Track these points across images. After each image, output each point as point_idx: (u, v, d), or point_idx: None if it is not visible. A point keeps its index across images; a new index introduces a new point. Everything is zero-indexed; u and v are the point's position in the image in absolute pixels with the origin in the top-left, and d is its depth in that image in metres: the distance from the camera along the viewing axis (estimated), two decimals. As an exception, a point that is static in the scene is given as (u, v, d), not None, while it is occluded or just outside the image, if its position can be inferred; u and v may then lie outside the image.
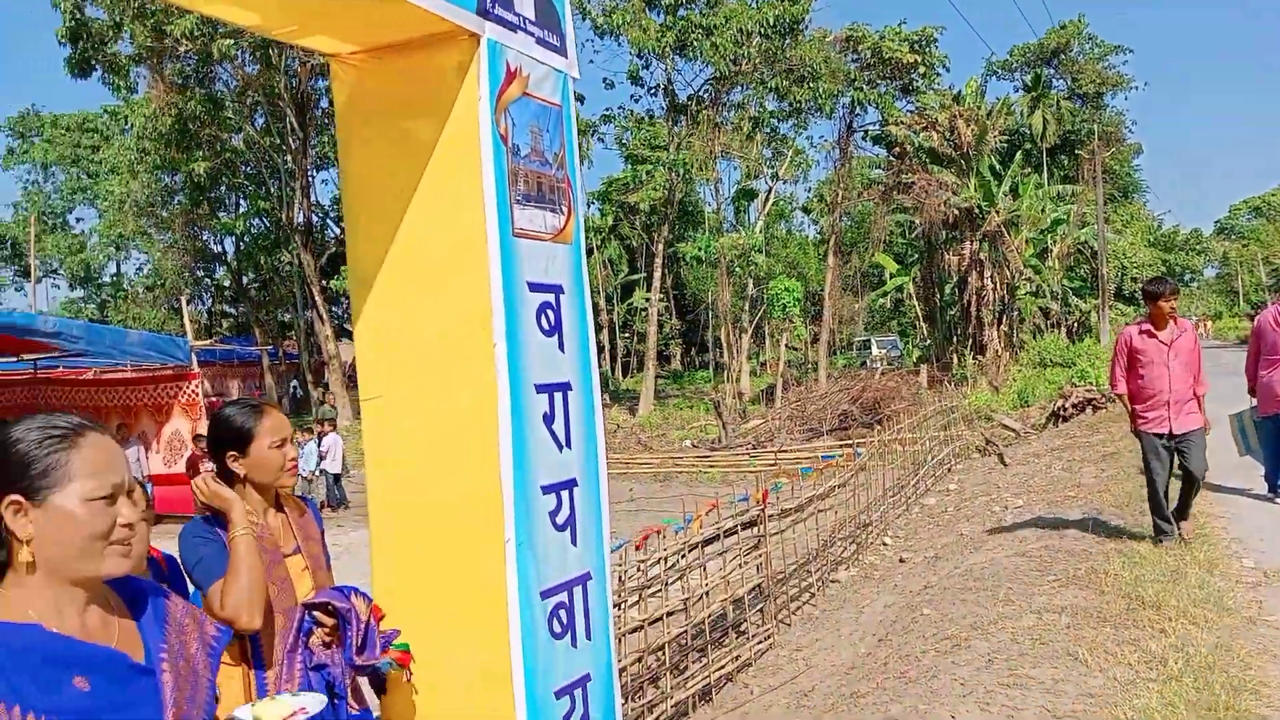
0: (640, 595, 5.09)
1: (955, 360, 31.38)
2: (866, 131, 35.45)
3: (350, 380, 29.72)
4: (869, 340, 40.92)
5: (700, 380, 39.89)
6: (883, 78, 32.20)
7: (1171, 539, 6.57)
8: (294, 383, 32.94)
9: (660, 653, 5.25)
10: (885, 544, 9.06)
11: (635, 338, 40.96)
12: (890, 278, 39.12)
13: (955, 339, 33.57)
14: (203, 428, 13.85)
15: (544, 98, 3.43)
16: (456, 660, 3.06)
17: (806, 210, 49.18)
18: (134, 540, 1.51)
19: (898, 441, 11.16)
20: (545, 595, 3.11)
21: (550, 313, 3.33)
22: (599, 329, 43.70)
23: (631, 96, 35.54)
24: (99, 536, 1.44)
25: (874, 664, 5.65)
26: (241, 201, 32.28)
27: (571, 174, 3.56)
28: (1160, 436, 6.68)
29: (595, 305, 43.75)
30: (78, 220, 49.68)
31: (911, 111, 33.13)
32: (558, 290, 3.39)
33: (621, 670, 4.86)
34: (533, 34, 3.38)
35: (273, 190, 29.75)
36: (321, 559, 2.85)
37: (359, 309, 3.39)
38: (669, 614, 5.36)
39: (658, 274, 30.92)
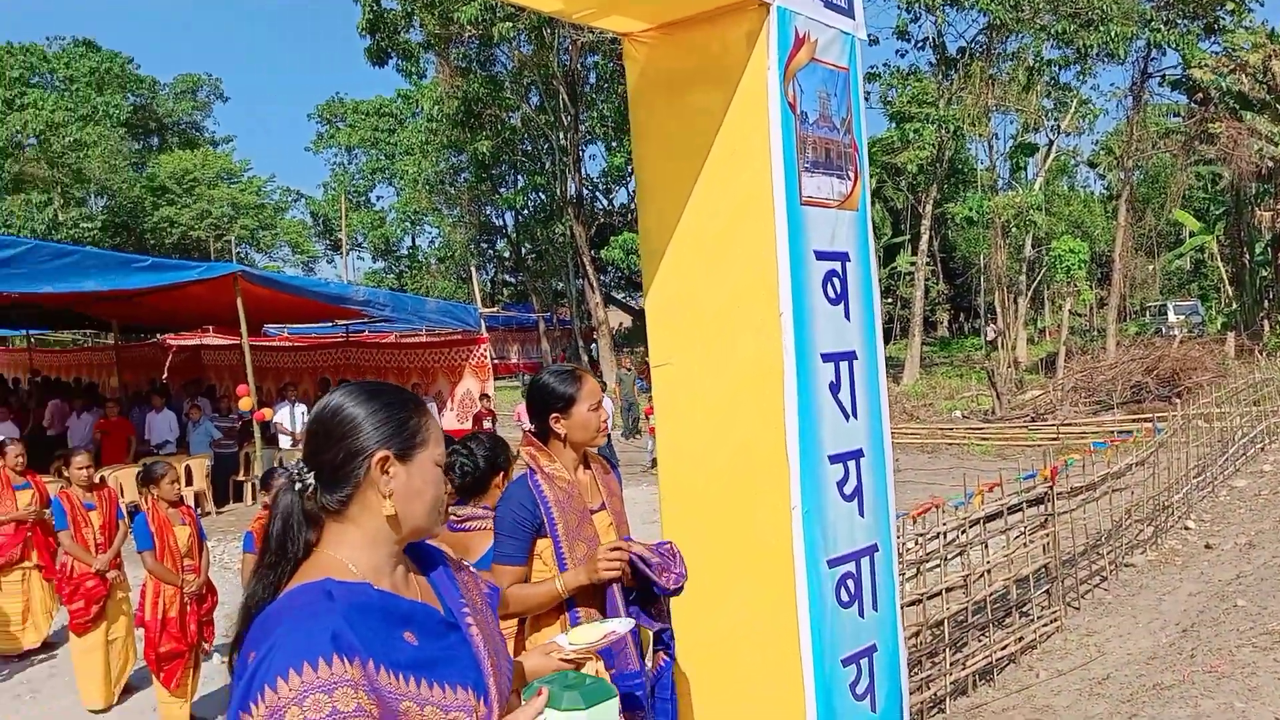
0: (918, 569, 4.96)
1: (1267, 328, 28.01)
2: (1164, 77, 32.07)
3: (617, 345, 30.86)
4: (1165, 305, 37.31)
5: (970, 348, 38.02)
6: (1184, 17, 28.94)
7: None
8: (570, 347, 34.63)
9: (938, 628, 5.10)
10: (1187, 528, 8.29)
11: (899, 303, 39.56)
12: (1190, 236, 35.34)
13: (1268, 304, 29.95)
14: (490, 388, 14.90)
15: (831, 62, 3.37)
16: (744, 622, 3.12)
17: (1092, 164, 45.38)
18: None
19: (1203, 417, 10.13)
20: (833, 564, 3.11)
21: (836, 280, 3.30)
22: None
23: (897, 52, 34.10)
24: (439, 499, 1.57)
25: (1178, 656, 5.21)
26: (519, 177, 34.16)
27: (858, 138, 3.49)
28: None
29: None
30: (377, 198, 54.33)
31: (1218, 53, 29.57)
32: (844, 258, 3.35)
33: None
34: (820, -3, 3.33)
35: (547, 166, 31.27)
36: (624, 515, 2.96)
37: (649, 279, 3.50)
38: (947, 590, 5.19)
39: (925, 236, 29.64)
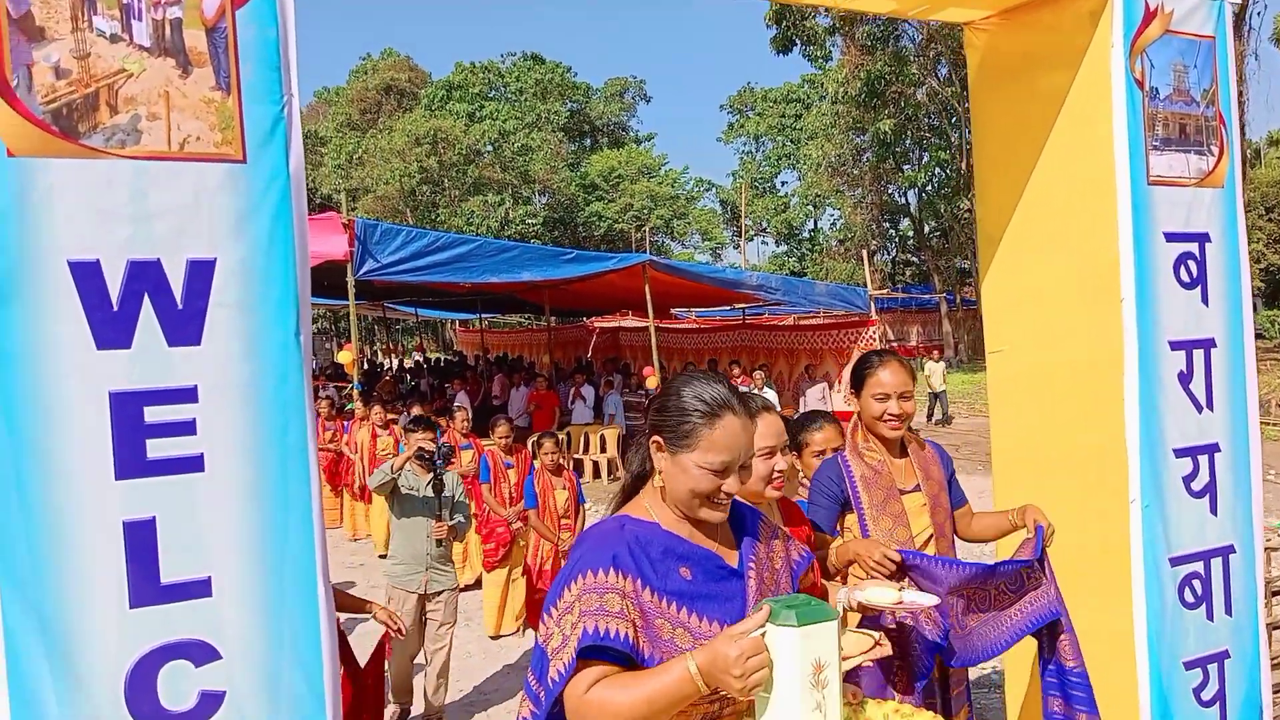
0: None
1: None
2: None
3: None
4: None
5: None
6: None
7: None
8: (975, 327, 33.21)
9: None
10: None
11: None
12: None
13: None
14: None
15: (1193, 32, 3.17)
16: (1078, 616, 3.07)
17: None
18: (728, 501, 1.86)
19: None
20: (1175, 563, 2.97)
21: (1192, 263, 3.11)
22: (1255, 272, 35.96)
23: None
24: (700, 494, 1.84)
25: None
26: (923, 154, 33.31)
27: (1225, 109, 3.24)
28: None
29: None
30: (782, 184, 55.67)
31: None
32: (1203, 239, 3.14)
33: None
34: (1178, -37, 3.13)
35: (952, 139, 30.21)
36: (943, 498, 3.00)
37: (985, 265, 3.53)
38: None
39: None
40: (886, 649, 2.19)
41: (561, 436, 12.19)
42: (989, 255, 3.49)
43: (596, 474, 13.54)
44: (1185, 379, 3.05)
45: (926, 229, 36.31)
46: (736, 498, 1.95)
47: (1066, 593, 3.09)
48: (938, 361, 18.15)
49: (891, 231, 40.63)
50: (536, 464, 6.29)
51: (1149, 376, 2.96)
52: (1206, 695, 3.00)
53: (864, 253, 24.23)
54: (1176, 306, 3.05)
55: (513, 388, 15.87)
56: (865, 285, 15.90)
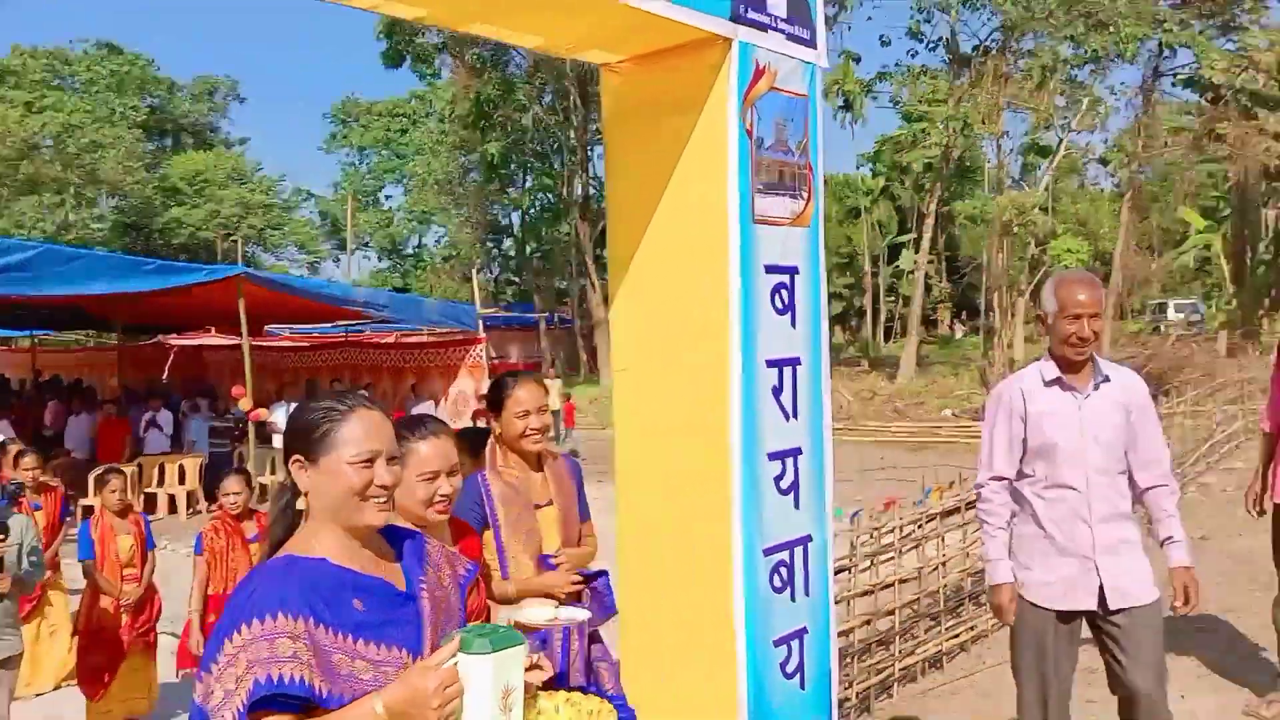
0: (872, 561, 5.26)
1: (1265, 326, 28.13)
2: (1175, 75, 32.16)
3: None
4: (1165, 303, 37.46)
5: (970, 346, 38.21)
6: (1199, 16, 29.07)
7: None
8: (569, 346, 34.91)
9: (890, 617, 5.40)
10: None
11: (901, 301, 39.83)
12: (1195, 234, 35.43)
13: (1268, 302, 30.03)
14: (485, 388, 15.26)
15: (791, 90, 3.65)
16: (686, 605, 3.42)
17: (1104, 162, 45.38)
18: (390, 497, 1.88)
19: (1180, 414, 10.39)
20: (768, 553, 3.40)
21: (784, 292, 3.59)
22: (860, 293, 42.83)
23: (909, 52, 34.21)
24: (357, 492, 1.83)
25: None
26: (528, 178, 34.53)
27: (814, 159, 3.77)
28: None
29: (859, 269, 42.77)
30: (386, 198, 54.80)
31: (1232, 51, 29.67)
32: (793, 271, 3.64)
33: (848, 631, 5.05)
34: (783, 31, 3.61)
35: (555, 166, 31.68)
36: (573, 511, 3.25)
37: (615, 288, 3.81)
38: (901, 581, 5.49)
39: (926, 235, 29.88)
40: (548, 671, 2.30)
41: (131, 470, 11.04)
42: (618, 279, 3.77)
43: (173, 508, 12.46)
44: (777, 392, 3.51)
45: (529, 250, 37.67)
46: (395, 523, 1.99)
47: (676, 584, 3.44)
48: (554, 380, 18.88)
49: (495, 251, 41.60)
50: (96, 504, 5.59)
51: (749, 391, 3.37)
52: (790, 668, 3.46)
53: (472, 271, 24.57)
54: (772, 329, 3.50)
55: (71, 415, 14.12)
56: (473, 303, 16.15)
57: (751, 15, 3.47)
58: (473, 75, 30.21)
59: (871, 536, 5.20)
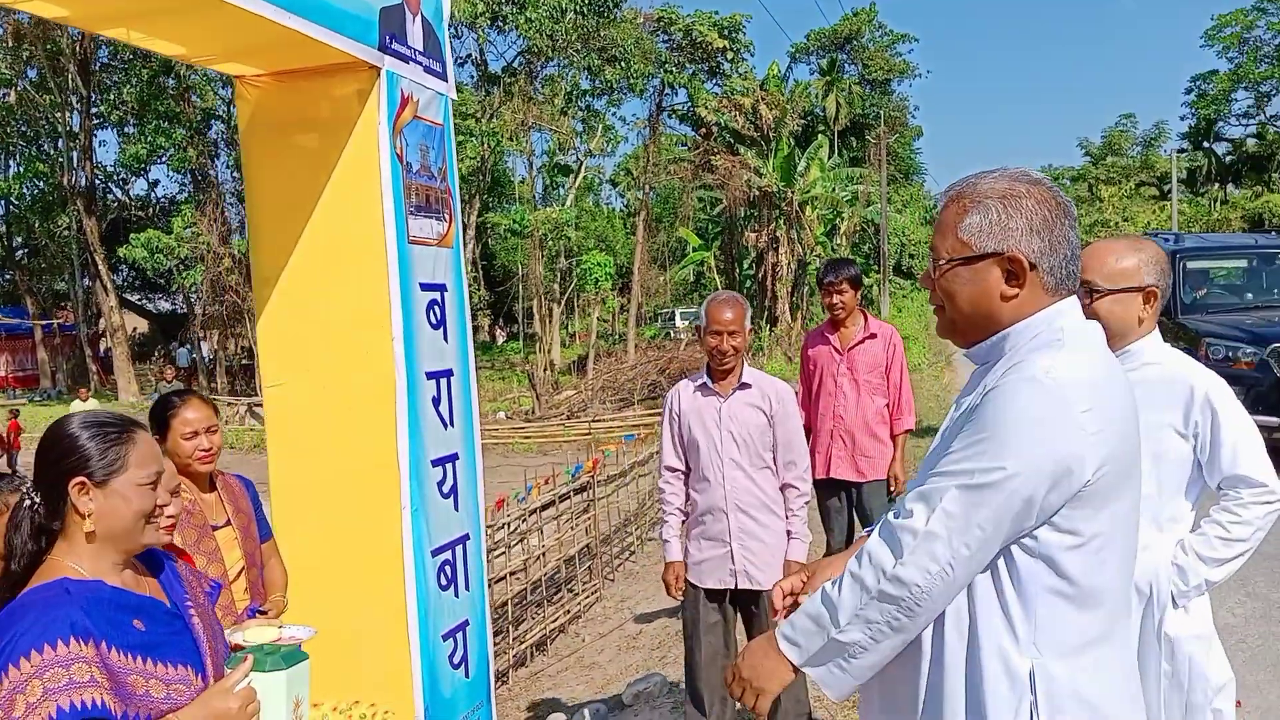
0: (487, 558, 5.65)
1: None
2: (674, 111, 36.73)
3: (135, 353, 28.17)
4: (674, 312, 42.51)
5: (510, 352, 40.24)
6: (692, 60, 33.46)
7: None
8: (76, 356, 30.79)
9: (502, 609, 5.84)
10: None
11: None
12: (693, 252, 40.68)
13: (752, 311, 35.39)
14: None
15: (430, 119, 3.90)
16: (361, 609, 3.54)
17: (614, 183, 50.25)
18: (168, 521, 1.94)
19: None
20: (435, 553, 3.65)
21: (437, 308, 3.84)
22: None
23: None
24: (144, 513, 1.84)
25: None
26: (12, 163, 29.75)
27: (452, 184, 4.06)
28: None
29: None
30: None
31: (718, 95, 34.60)
32: (442, 289, 3.90)
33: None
34: (421, 63, 3.86)
35: (50, 151, 27.67)
36: (252, 529, 3.24)
37: (262, 305, 3.78)
38: (511, 574, 5.95)
39: (468, 246, 31.01)
40: None
41: None
42: (265, 297, 3.74)
43: None
44: (436, 402, 3.76)
45: (14, 245, 32.62)
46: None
47: (351, 588, 3.56)
48: (85, 400, 16.56)
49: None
50: None
51: (413, 402, 3.59)
52: (456, 659, 3.74)
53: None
54: (429, 343, 3.73)
55: None
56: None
57: (395, 46, 3.68)
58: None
59: (485, 534, 5.58)
